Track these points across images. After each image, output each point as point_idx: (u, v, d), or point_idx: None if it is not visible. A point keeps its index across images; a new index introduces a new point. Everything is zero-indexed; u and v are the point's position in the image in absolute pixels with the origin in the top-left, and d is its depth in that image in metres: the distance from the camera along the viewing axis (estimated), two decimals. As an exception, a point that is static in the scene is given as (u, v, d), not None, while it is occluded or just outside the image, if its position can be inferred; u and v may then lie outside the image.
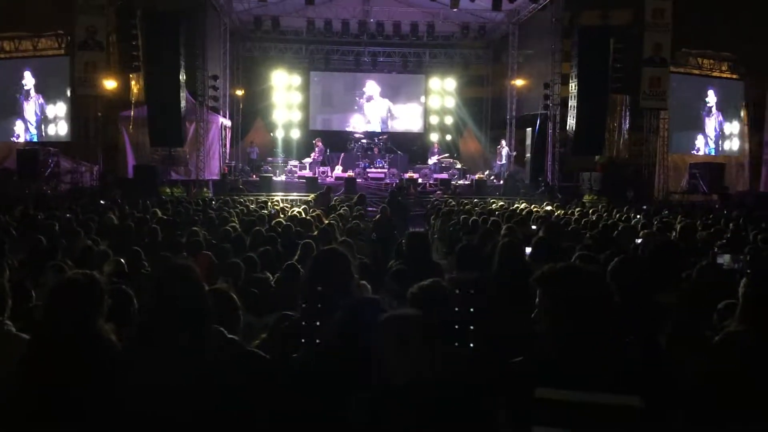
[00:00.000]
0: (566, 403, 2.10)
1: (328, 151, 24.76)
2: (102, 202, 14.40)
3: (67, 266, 5.48)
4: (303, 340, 2.99)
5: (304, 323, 3.07)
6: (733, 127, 25.50)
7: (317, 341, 2.85)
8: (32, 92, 22.88)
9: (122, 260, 5.96)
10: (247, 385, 2.73)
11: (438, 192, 21.09)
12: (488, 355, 3.09)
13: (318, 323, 2.96)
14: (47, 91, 22.80)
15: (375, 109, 27.53)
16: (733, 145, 25.53)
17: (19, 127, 23.09)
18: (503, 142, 24.53)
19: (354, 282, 3.33)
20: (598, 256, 5.20)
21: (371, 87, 27.45)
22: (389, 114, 27.64)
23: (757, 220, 11.02)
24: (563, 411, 2.09)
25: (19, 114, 23.04)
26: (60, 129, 22.72)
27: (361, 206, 13.30)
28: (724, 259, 5.74)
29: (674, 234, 8.51)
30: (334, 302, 2.90)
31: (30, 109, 23.01)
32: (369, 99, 27.41)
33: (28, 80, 22.86)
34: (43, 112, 22.87)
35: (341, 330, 2.68)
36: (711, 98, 25.00)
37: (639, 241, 7.30)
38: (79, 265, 5.67)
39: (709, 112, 25.15)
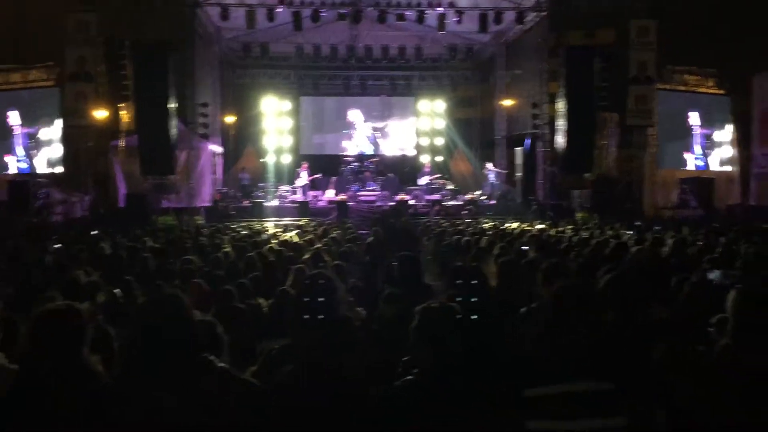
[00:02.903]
0: (551, 397, 2.44)
1: (321, 174, 24.72)
2: (93, 232, 14.31)
3: (56, 299, 5.43)
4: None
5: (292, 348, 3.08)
6: (721, 142, 25.66)
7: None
8: (18, 129, 22.79)
9: (116, 290, 5.91)
10: (239, 414, 2.70)
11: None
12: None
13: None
14: (38, 120, 22.72)
15: (362, 135, 27.76)
16: (722, 159, 25.68)
17: (10, 160, 23.01)
18: (488, 165, 24.67)
19: (342, 306, 3.34)
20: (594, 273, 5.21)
21: (354, 115, 27.68)
22: (379, 134, 27.78)
23: (748, 233, 11.06)
24: (550, 404, 2.44)
25: (9, 149, 22.98)
26: (54, 151, 22.61)
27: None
28: (715, 274, 5.75)
29: (666, 249, 8.53)
30: (319, 326, 2.93)
31: (18, 145, 22.95)
32: (354, 127, 27.65)
33: (14, 119, 22.76)
34: (31, 144, 22.75)
35: (311, 351, 2.70)
36: (694, 118, 25.18)
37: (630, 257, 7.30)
38: (69, 297, 5.62)
39: (695, 130, 25.31)
